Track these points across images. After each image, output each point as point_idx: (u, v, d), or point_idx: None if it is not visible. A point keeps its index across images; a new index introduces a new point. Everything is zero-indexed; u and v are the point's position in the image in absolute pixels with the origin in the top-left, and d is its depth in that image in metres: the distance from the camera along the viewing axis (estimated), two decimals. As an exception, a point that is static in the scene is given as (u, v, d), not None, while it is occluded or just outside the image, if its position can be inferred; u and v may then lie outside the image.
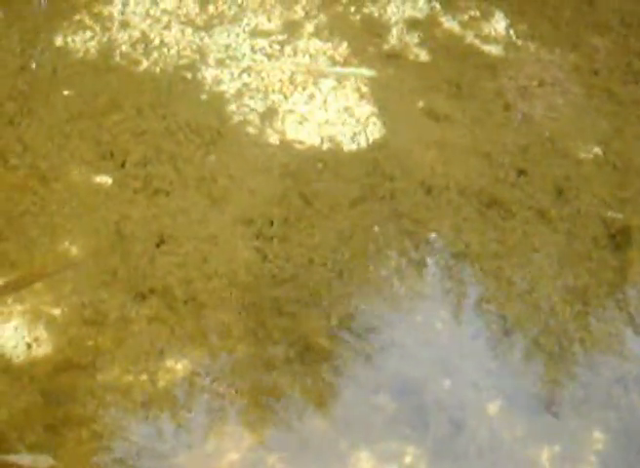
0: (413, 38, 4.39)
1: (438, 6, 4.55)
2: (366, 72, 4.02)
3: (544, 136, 3.97)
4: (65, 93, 3.99)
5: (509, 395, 3.20)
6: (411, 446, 3.07)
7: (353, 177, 3.81)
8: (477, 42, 4.39)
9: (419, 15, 4.49)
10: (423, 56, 4.32)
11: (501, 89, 4.13)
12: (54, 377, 3.18)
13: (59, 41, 4.20)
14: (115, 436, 3.05)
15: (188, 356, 3.27)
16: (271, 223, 3.62)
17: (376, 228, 3.63)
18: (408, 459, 3.04)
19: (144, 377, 3.21)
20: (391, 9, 4.51)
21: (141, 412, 3.12)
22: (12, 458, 2.92)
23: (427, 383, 3.19)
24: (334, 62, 4.12)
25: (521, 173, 3.83)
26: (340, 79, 4.07)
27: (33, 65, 4.09)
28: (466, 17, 4.51)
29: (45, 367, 3.21)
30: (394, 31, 4.42)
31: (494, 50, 4.38)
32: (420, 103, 4.14)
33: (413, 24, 4.44)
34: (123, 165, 3.77)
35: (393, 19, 4.46)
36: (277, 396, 3.18)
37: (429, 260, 3.54)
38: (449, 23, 4.48)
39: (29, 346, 3.26)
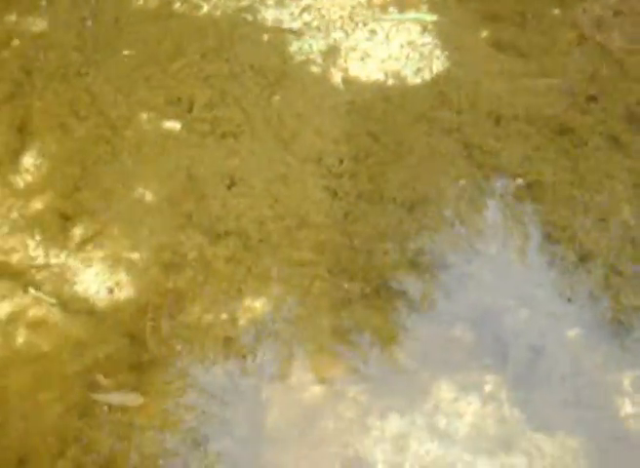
0: (474, -32, 4.29)
1: None
2: (428, 17, 3.96)
3: (616, 63, 3.87)
4: (129, 42, 4.01)
5: (588, 321, 3.19)
6: (491, 374, 3.09)
7: (420, 112, 3.78)
8: (541, -31, 4.28)
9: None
10: (488, -14, 4.23)
11: (573, 19, 4.03)
12: (137, 319, 3.27)
13: (119, -10, 4.21)
14: (200, 373, 3.13)
15: (266, 294, 3.32)
16: (341, 161, 3.62)
17: (445, 161, 3.60)
18: (488, 388, 3.06)
19: (225, 316, 3.28)
20: (451, -61, 4.41)
21: (224, 350, 3.19)
22: (102, 397, 3.02)
23: (505, 313, 3.20)
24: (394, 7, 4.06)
25: (592, 99, 3.75)
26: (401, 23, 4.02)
27: (94, 16, 4.10)
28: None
29: (128, 310, 3.29)
30: (454, -38, 4.32)
31: (557, -23, 4.26)
32: (484, 34, 4.07)
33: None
34: (190, 109, 3.80)
35: (454, -50, 4.36)
36: (356, 331, 3.22)
37: (501, 191, 3.51)
38: (511, -49, 4.37)
39: (111, 290, 3.34)
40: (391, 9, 4.11)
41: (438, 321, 3.21)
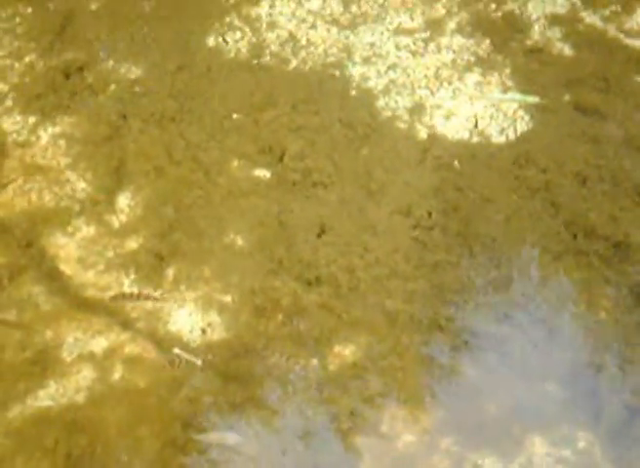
0: (555, 33, 4.41)
1: (578, 2, 4.56)
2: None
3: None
4: (221, 91, 4.13)
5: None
6: (584, 431, 3.09)
7: (505, 169, 3.86)
8: (621, 36, 4.39)
9: (559, 10, 4.51)
10: (567, 50, 4.34)
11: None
12: (230, 360, 3.32)
13: (211, 42, 4.35)
14: (294, 415, 3.16)
15: (356, 342, 3.36)
16: (429, 214, 3.69)
17: (532, 219, 3.66)
18: (581, 444, 3.07)
19: (315, 361, 3.31)
20: (532, 5, 4.54)
21: (316, 394, 3.22)
22: (201, 437, 3.05)
23: (599, 371, 3.21)
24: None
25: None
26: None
27: (187, 66, 4.24)
28: (607, 11, 4.51)
29: (221, 350, 3.34)
30: (536, 27, 4.45)
31: (638, 44, 4.36)
32: (567, 97, 4.16)
33: (554, 20, 4.47)
34: (281, 159, 3.89)
35: (534, 16, 4.49)
36: (447, 381, 3.24)
37: (589, 250, 3.56)
38: (590, 18, 4.49)
39: (204, 331, 3.40)
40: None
41: (531, 375, 3.23)
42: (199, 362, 3.22)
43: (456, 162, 3.59)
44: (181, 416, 3.11)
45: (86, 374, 3.24)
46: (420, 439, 3.11)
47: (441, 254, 3.59)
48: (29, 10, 4.41)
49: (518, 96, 4.05)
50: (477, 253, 3.59)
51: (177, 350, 3.26)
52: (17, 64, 4.21)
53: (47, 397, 3.17)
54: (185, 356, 3.24)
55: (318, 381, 3.27)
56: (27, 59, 4.22)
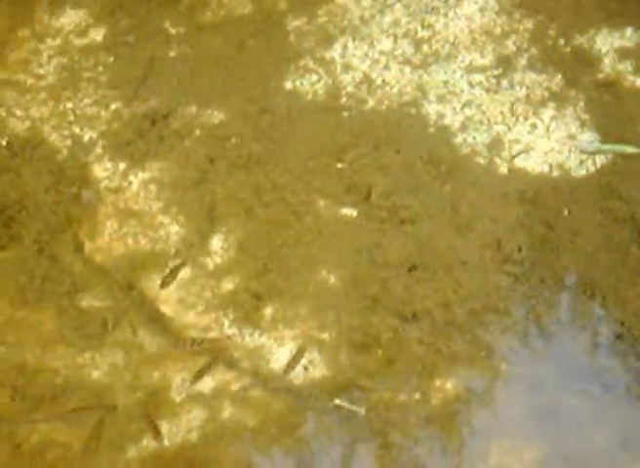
0: (626, 66, 4.48)
1: (646, 34, 4.64)
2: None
3: None
4: (303, 133, 4.23)
5: None
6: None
7: (590, 201, 3.91)
8: (692, 67, 4.46)
9: (628, 43, 4.59)
10: (639, 83, 4.41)
11: None
12: (334, 396, 3.36)
13: (288, 85, 4.46)
14: (403, 450, 3.20)
15: (457, 375, 3.41)
16: (519, 248, 3.74)
17: (620, 249, 3.71)
18: (693, 473, 3.08)
19: (418, 396, 3.36)
20: (600, 39, 4.61)
21: (422, 430, 3.27)
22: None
23: None
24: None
25: None
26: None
27: (268, 109, 4.35)
28: (678, 43, 4.59)
29: (324, 387, 3.39)
30: (606, 60, 4.52)
31: None
32: (643, 129, 4.22)
33: (624, 53, 4.54)
34: (367, 197, 3.97)
35: (604, 50, 4.56)
36: (552, 413, 3.27)
37: (681, 279, 3.60)
38: (660, 51, 4.56)
39: (306, 369, 3.45)
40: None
41: (637, 404, 3.26)
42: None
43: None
44: (296, 457, 3.16)
45: (196, 414, 3.31)
46: (529, 471, 3.14)
47: (533, 288, 3.63)
48: (111, 59, 4.55)
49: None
50: (569, 286, 3.63)
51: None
52: (103, 112, 4.33)
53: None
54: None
55: (423, 416, 3.31)
56: (113, 107, 4.35)
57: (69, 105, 4.32)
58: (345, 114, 4.34)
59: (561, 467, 3.16)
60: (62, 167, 4.07)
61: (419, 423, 3.29)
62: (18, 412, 3.29)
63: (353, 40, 4.63)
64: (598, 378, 3.35)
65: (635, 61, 4.51)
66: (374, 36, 4.64)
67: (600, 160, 4.11)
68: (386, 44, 4.67)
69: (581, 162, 4.10)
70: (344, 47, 4.66)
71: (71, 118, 4.28)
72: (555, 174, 4.07)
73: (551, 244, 3.78)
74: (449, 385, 3.40)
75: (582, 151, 4.09)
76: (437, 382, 3.42)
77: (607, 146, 4.12)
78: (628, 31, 4.65)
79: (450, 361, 3.45)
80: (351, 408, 3.28)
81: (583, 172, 4.07)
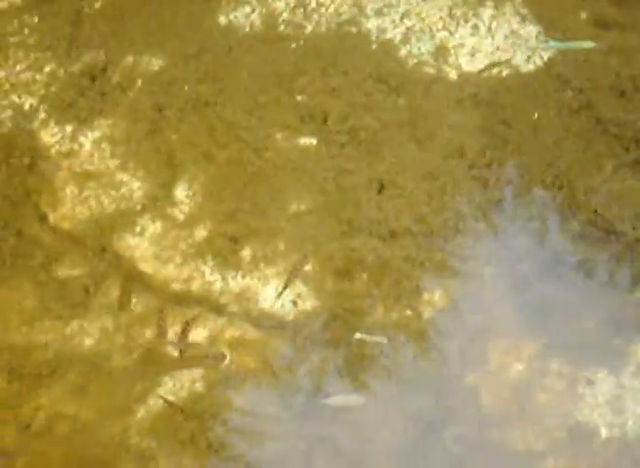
0: (556, -46, 4.45)
1: None
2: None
3: None
4: (247, 67, 4.14)
5: None
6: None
7: (543, 95, 3.93)
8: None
9: None
10: (573, -31, 4.39)
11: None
12: (327, 326, 3.39)
13: (223, 20, 4.34)
14: (405, 367, 3.26)
15: (443, 287, 3.45)
16: (483, 152, 3.76)
17: (582, 138, 3.76)
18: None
19: (409, 312, 3.40)
20: None
21: (422, 342, 3.32)
22: (326, 401, 3.14)
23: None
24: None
25: None
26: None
27: (207, 49, 4.23)
28: None
29: (316, 319, 3.41)
30: (536, -49, 4.48)
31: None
32: (583, 15, 4.22)
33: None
34: (324, 123, 3.92)
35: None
36: (541, 308, 3.35)
37: (643, 159, 3.67)
38: None
39: (295, 303, 3.46)
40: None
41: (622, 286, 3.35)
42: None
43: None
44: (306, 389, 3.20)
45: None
46: (529, 365, 3.22)
47: (504, 189, 3.66)
48: (36, 19, 4.36)
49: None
50: (537, 181, 3.67)
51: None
52: (38, 76, 4.17)
53: (167, 393, 3.23)
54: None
55: (417, 330, 3.36)
56: (47, 69, 4.19)
57: (2, 74, 4.15)
58: (286, 42, 4.25)
59: (561, 356, 3.23)
60: (9, 139, 3.92)
61: (416, 337, 3.33)
62: (17, 394, 3.24)
63: (281, -35, 4.51)
64: (580, 268, 3.42)
65: (564, -51, 4.48)
66: (301, -42, 4.53)
67: (546, 53, 4.11)
68: (314, -36, 4.55)
69: (529, 57, 4.10)
70: (272, -27, 4.53)
71: (7, 87, 4.11)
72: (504, 72, 4.07)
73: (513, 143, 3.80)
74: (437, 297, 3.44)
75: (542, 49, 4.08)
76: (425, 296, 3.45)
77: (562, 44, 4.10)
78: None
79: (434, 273, 3.49)
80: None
81: (532, 66, 4.08)
